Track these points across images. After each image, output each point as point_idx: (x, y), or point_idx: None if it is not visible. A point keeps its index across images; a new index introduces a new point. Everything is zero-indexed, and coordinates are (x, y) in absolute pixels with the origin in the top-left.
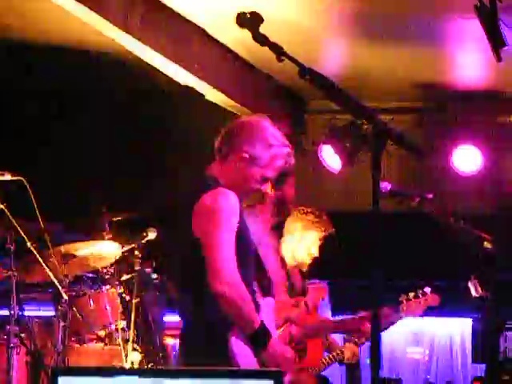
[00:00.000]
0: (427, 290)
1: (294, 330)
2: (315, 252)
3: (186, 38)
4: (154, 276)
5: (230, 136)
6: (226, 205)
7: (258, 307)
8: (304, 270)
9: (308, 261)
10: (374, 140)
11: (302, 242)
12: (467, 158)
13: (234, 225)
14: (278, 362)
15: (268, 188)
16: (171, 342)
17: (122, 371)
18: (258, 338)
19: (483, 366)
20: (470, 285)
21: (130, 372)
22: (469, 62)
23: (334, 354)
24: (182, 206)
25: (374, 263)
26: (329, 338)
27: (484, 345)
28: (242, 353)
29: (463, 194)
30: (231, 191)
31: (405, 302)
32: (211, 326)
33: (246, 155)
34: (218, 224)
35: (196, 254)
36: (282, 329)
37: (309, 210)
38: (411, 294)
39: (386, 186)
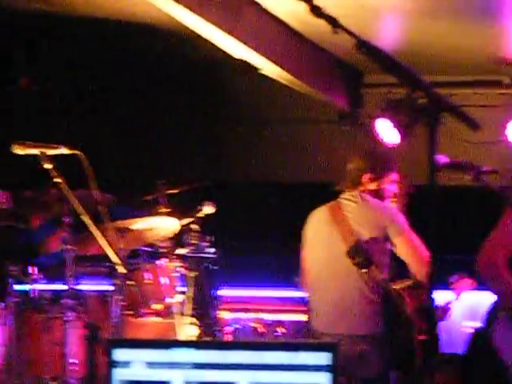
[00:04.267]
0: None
1: None
2: None
3: (241, 11)
4: (212, 250)
5: None
6: None
7: None
8: None
9: None
10: (430, 113)
11: None
12: None
13: None
14: None
15: None
16: (226, 316)
17: (178, 343)
18: None
19: None
20: None
21: (187, 344)
22: None
23: None
24: None
25: (429, 237)
26: None
27: None
28: None
29: None
30: None
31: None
32: None
33: None
34: None
35: None
36: None
37: None
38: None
39: (442, 158)
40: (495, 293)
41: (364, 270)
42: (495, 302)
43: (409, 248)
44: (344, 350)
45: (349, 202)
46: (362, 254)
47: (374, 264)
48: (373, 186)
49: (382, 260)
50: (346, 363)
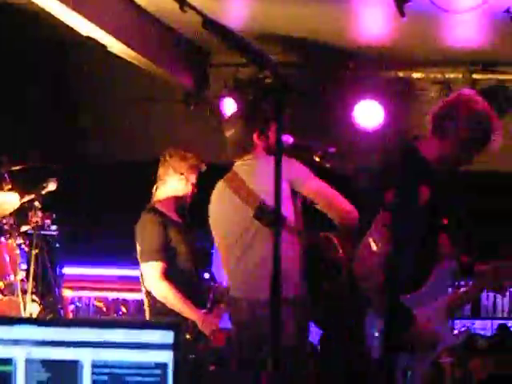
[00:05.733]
0: None
1: None
2: None
3: None
4: (54, 227)
5: (453, 112)
6: None
7: None
8: None
9: None
10: (276, 93)
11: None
12: (369, 113)
13: None
14: None
15: None
16: (69, 294)
17: (21, 320)
18: None
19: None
20: (370, 239)
21: (29, 321)
22: (372, 17)
23: None
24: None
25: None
26: None
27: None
28: None
29: (365, 148)
30: None
31: None
32: None
33: (467, 135)
34: None
35: None
36: None
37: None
38: None
39: (287, 139)
40: (368, 297)
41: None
42: None
43: (319, 197)
44: (261, 314)
45: (242, 167)
46: (268, 213)
47: (285, 221)
48: (264, 142)
49: (291, 216)
50: (262, 329)
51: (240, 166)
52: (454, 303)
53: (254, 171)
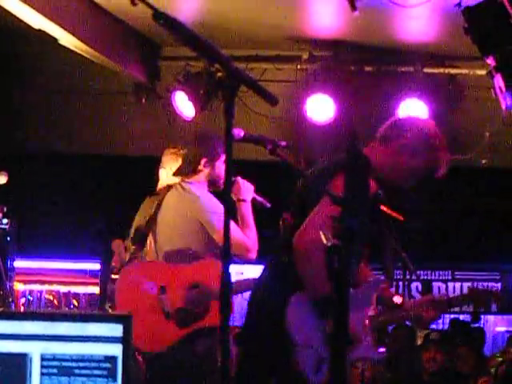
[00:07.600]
0: None
1: None
2: None
3: None
4: (5, 221)
5: (399, 127)
6: None
7: None
8: None
9: None
10: (227, 87)
11: None
12: (320, 108)
13: None
14: None
15: None
16: (21, 287)
17: None
18: None
19: None
20: (320, 233)
21: None
22: (324, 10)
23: None
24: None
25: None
26: None
27: None
28: None
29: (317, 142)
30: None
31: None
32: None
33: (407, 147)
34: None
35: None
36: None
37: None
38: None
39: (238, 132)
40: (304, 274)
41: None
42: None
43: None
44: None
45: (175, 189)
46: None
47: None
48: (207, 170)
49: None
50: None
51: (177, 185)
52: (373, 322)
53: (170, 201)
